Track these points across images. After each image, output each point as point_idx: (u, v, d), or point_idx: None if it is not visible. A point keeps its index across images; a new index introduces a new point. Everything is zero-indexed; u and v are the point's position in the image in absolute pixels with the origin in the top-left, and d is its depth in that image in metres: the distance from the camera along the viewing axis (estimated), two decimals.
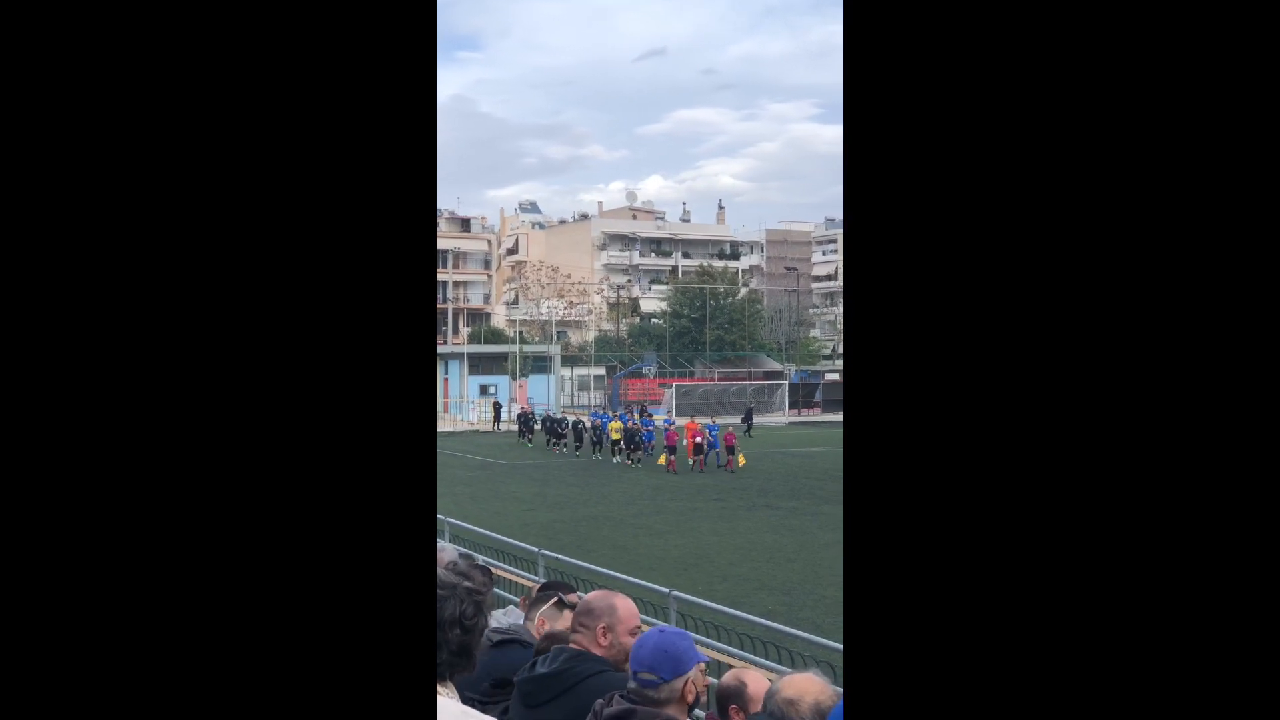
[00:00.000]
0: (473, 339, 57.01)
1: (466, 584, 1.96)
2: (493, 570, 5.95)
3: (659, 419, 35.48)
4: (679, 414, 41.14)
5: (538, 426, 37.44)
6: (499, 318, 73.31)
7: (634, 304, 73.63)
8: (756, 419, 41.70)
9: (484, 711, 2.14)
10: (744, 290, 71.37)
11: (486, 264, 79.09)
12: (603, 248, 78.95)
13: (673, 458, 28.21)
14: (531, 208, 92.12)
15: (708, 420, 32.02)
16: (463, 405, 48.57)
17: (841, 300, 77.02)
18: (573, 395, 55.20)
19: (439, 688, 1.86)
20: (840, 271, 78.85)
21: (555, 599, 3.92)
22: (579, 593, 4.14)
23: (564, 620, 3.85)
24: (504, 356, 52.98)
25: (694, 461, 28.31)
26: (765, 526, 18.59)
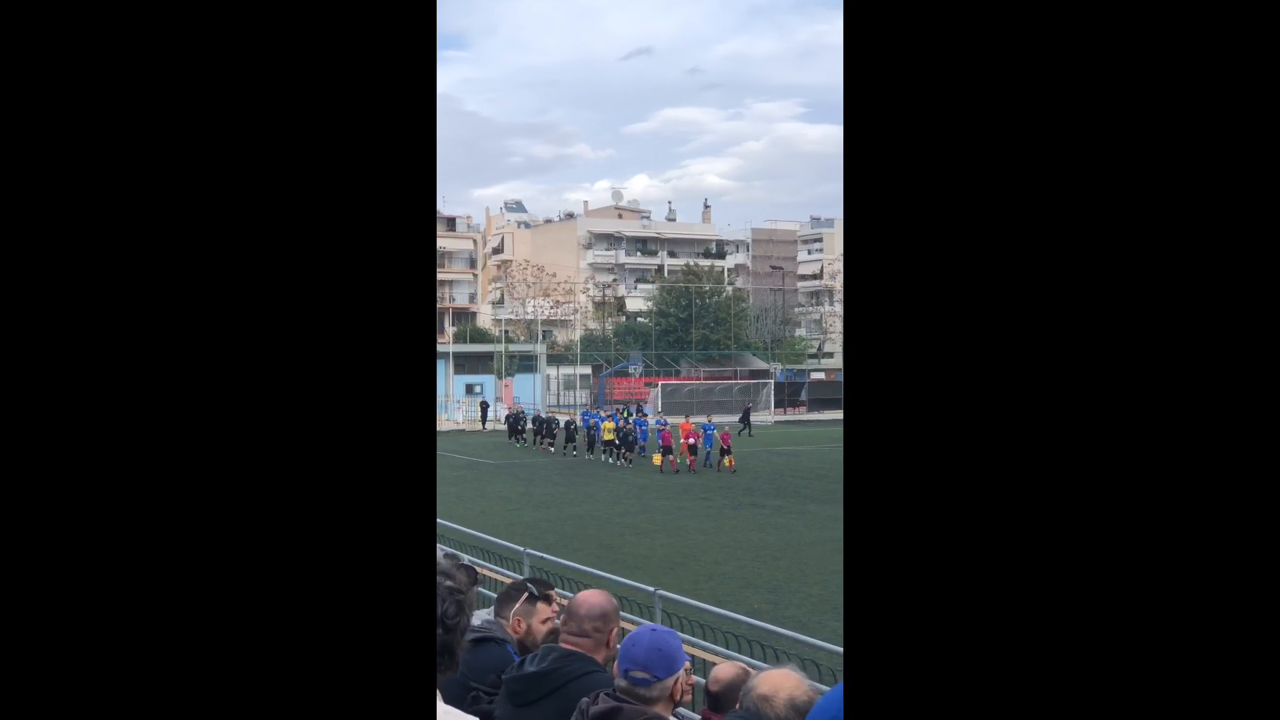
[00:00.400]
0: (458, 338, 56.85)
1: (448, 583, 1.96)
2: (477, 570, 5.93)
3: (652, 419, 35.35)
4: (664, 413, 41.09)
5: (529, 426, 37.26)
6: (484, 317, 73.18)
7: (620, 303, 73.65)
8: (720, 417, 41.65)
9: (466, 710, 2.14)
10: (729, 289, 71.43)
11: (472, 263, 78.91)
12: (588, 247, 78.93)
13: (670, 457, 28.07)
14: (517, 207, 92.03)
15: (703, 420, 31.93)
16: (448, 405, 48.47)
17: (827, 299, 77.32)
18: (558, 394, 55.15)
19: None
20: (825, 270, 79.08)
21: (526, 594, 3.92)
22: (554, 587, 4.15)
23: (539, 614, 3.85)
24: (489, 356, 52.90)
25: (688, 462, 28.13)
26: (751, 525, 18.61)
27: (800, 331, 77.34)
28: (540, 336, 60.26)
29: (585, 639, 3.06)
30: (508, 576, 10.63)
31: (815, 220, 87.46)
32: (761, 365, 62.01)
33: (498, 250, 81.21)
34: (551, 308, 66.07)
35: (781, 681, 2.61)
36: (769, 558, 15.53)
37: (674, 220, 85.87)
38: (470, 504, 20.67)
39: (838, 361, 70.75)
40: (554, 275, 68.32)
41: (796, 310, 79.63)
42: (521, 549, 10.77)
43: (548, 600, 3.98)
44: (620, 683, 2.67)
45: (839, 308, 73.63)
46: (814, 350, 75.34)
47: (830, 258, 78.23)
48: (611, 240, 79.73)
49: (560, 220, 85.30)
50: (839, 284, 72.64)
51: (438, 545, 2.08)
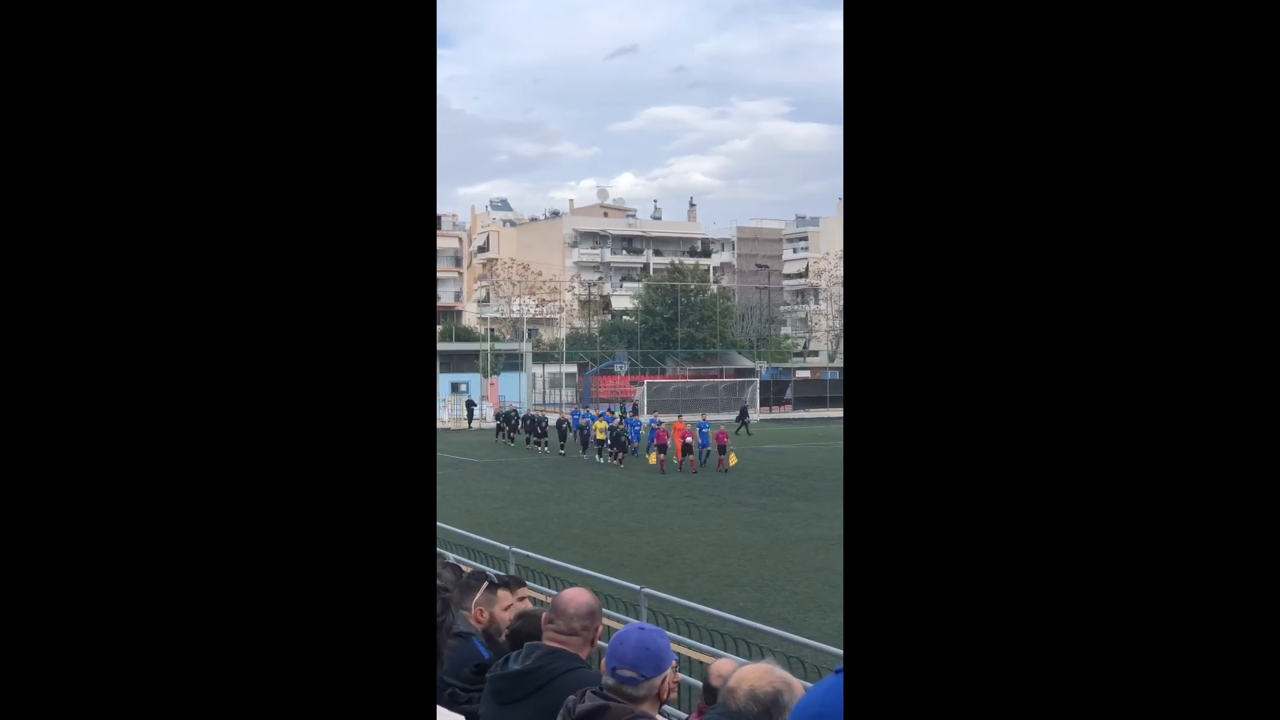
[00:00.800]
0: (444, 337, 56.75)
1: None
2: (463, 568, 5.92)
3: (646, 418, 35.21)
4: (650, 411, 41.07)
5: (520, 426, 37.06)
6: (470, 316, 73.09)
7: (605, 301, 73.63)
8: (728, 416, 41.66)
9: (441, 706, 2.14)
10: (715, 287, 71.51)
11: (457, 261, 78.81)
12: (574, 245, 78.88)
13: (662, 456, 27.90)
14: (503, 205, 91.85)
15: (698, 418, 31.84)
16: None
17: (812, 298, 77.44)
18: (544, 393, 55.08)
19: None
20: (810, 269, 79.19)
21: (485, 584, 3.92)
22: (509, 575, 4.16)
23: (500, 602, 3.86)
24: (475, 354, 52.83)
25: (682, 462, 27.93)
26: (737, 523, 18.62)
27: (785, 330, 77.50)
28: (526, 335, 60.20)
29: (574, 637, 3.06)
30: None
31: (800, 218, 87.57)
32: (747, 364, 62.11)
33: (483, 249, 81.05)
34: (537, 306, 66.03)
35: (746, 674, 2.63)
36: (755, 556, 15.55)
37: (659, 219, 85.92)
38: (455, 502, 20.62)
39: (823, 360, 70.94)
40: (539, 274, 68.29)
41: (782, 308, 79.79)
42: (507, 547, 10.75)
43: (507, 586, 4.00)
44: (608, 681, 2.66)
45: (824, 306, 73.84)
46: (799, 349, 75.46)
47: (815, 256, 78.34)
48: (597, 239, 79.70)
49: (546, 219, 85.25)
50: (824, 282, 72.86)
51: None
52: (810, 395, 56.00)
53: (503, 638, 3.72)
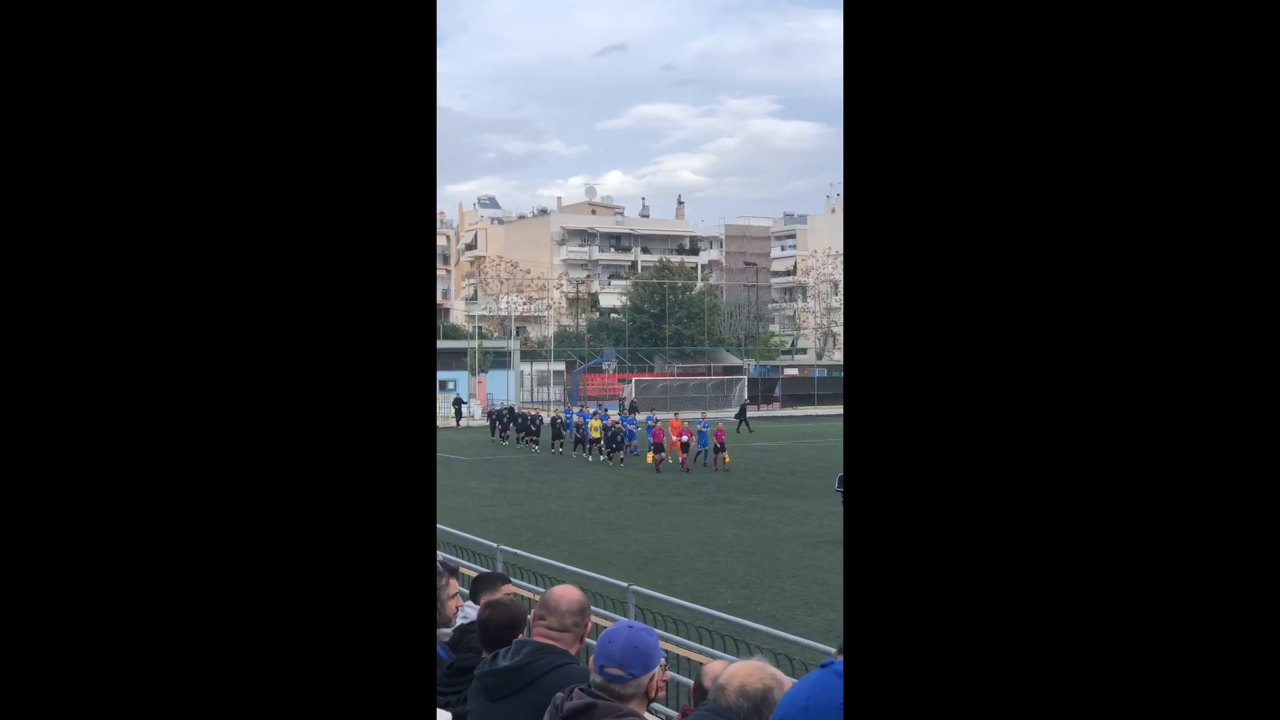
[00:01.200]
0: None
1: None
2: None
3: (641, 417, 35.10)
4: (641, 408, 41.04)
5: (512, 424, 36.90)
6: (458, 313, 73.01)
7: (593, 299, 73.60)
8: (714, 413, 41.62)
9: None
10: (703, 285, 71.54)
11: (445, 259, 78.71)
12: (562, 243, 78.82)
13: (660, 455, 27.79)
14: (490, 203, 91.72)
15: (695, 416, 31.72)
16: None
17: (800, 296, 77.54)
18: (532, 390, 55.04)
19: None
20: (799, 266, 79.28)
21: (440, 574, 3.93)
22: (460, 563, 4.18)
23: (451, 587, 3.87)
24: (463, 352, 52.74)
25: (680, 460, 27.77)
26: (725, 521, 18.64)
27: (774, 328, 77.59)
28: (514, 333, 60.13)
29: (566, 634, 3.06)
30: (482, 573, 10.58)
31: (788, 216, 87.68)
32: (735, 361, 62.17)
33: (471, 246, 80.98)
34: (525, 304, 65.96)
35: (736, 671, 2.63)
36: (743, 553, 15.57)
37: (648, 216, 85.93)
38: (443, 500, 20.52)
39: (811, 358, 71.06)
40: (527, 271, 68.22)
41: (770, 306, 79.89)
42: (495, 545, 10.74)
43: (454, 573, 4.02)
44: (596, 679, 2.66)
45: (812, 304, 73.94)
46: (787, 347, 75.55)
47: (803, 254, 78.46)
48: (585, 236, 79.64)
49: (534, 216, 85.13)
50: (812, 280, 72.94)
51: None
52: (798, 393, 56.07)
53: (450, 630, 3.73)
